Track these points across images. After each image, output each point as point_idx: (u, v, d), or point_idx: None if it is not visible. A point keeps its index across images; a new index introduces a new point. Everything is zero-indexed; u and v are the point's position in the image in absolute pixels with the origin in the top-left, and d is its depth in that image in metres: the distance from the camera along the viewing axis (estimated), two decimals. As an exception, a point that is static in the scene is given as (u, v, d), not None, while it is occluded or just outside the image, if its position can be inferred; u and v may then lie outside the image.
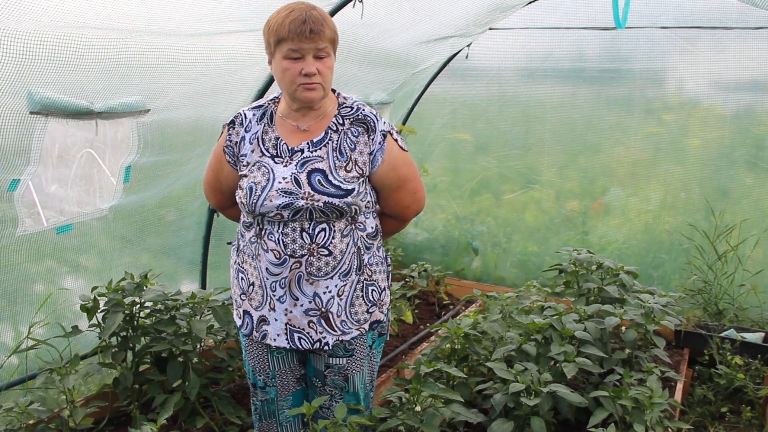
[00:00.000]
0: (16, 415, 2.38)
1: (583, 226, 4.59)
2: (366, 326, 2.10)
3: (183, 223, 3.46)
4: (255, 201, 1.95)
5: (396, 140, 2.04)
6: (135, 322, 2.72)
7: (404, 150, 2.06)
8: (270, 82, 3.19)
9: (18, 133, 2.34)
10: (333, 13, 2.95)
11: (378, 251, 2.12)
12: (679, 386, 3.07)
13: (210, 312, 2.78)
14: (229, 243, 2.23)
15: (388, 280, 2.18)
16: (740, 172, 4.07)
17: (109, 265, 3.12)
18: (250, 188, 1.96)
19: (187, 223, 3.48)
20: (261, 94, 3.22)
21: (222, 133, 2.09)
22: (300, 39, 1.82)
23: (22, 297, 2.73)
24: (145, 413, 2.77)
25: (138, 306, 2.73)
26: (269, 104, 2.07)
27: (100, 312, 2.66)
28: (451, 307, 4.46)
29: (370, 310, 2.10)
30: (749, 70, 3.95)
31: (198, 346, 2.77)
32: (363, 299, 2.07)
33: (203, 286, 3.64)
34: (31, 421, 2.42)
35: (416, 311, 4.28)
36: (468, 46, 4.55)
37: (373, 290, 2.10)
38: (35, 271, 2.79)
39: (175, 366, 2.68)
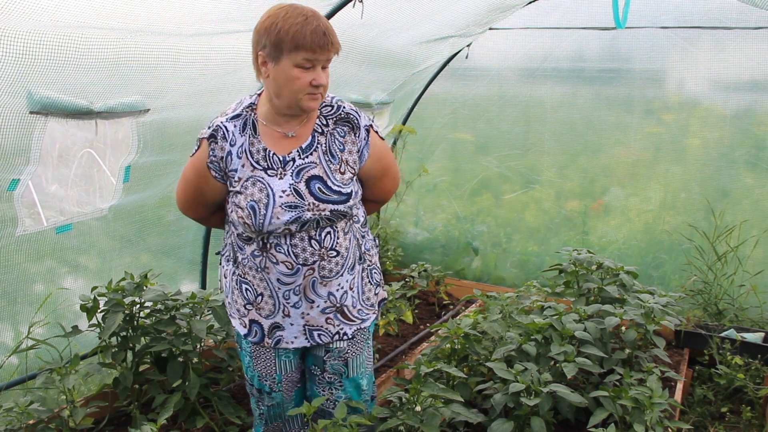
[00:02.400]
0: (16, 415, 2.38)
1: (583, 226, 4.59)
2: (377, 307, 2.19)
3: (183, 223, 3.46)
4: (261, 221, 1.91)
5: (377, 132, 2.06)
6: (135, 322, 2.72)
7: (383, 139, 2.10)
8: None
9: (18, 133, 2.34)
10: (333, 13, 2.95)
11: (369, 235, 2.20)
12: (679, 386, 3.07)
13: (210, 312, 2.77)
14: (219, 253, 2.20)
15: (377, 255, 2.26)
16: (740, 172, 4.07)
17: (109, 265, 3.12)
18: (252, 208, 1.91)
19: (187, 223, 3.48)
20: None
21: (200, 146, 1.98)
22: (320, 50, 1.80)
23: (22, 297, 2.73)
24: (145, 413, 2.77)
25: (138, 306, 2.73)
26: (247, 112, 1.98)
27: (100, 312, 2.66)
28: (451, 307, 4.46)
29: (377, 291, 2.19)
30: (749, 70, 3.95)
31: (198, 346, 2.77)
32: (370, 284, 2.16)
33: (203, 286, 3.64)
34: (31, 421, 2.42)
35: (416, 311, 4.28)
36: (468, 46, 4.55)
37: (375, 272, 2.19)
38: (35, 271, 2.79)
39: (175, 366, 2.68)
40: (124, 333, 2.71)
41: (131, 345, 2.73)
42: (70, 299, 2.90)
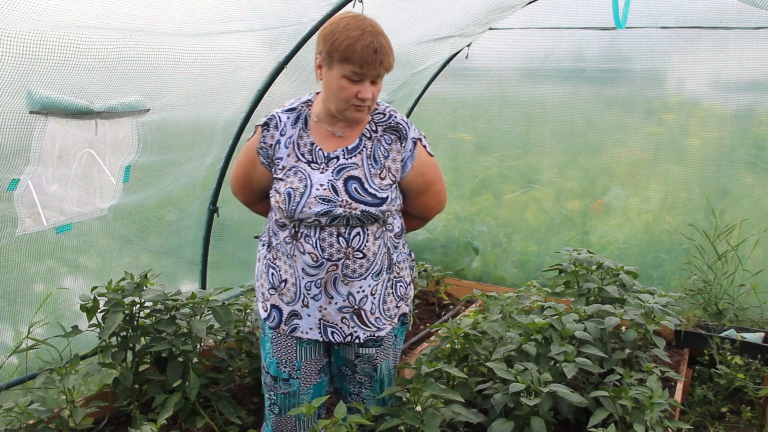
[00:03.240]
0: (16, 415, 2.38)
1: (583, 226, 4.59)
2: (396, 320, 2.20)
3: (183, 223, 3.46)
4: (294, 207, 1.98)
5: (425, 146, 2.11)
6: (135, 322, 2.72)
7: (431, 155, 2.15)
8: (270, 82, 3.19)
9: (18, 133, 2.34)
10: (333, 12, 2.95)
11: (403, 248, 2.21)
12: (679, 386, 3.07)
13: (210, 312, 2.77)
14: (257, 237, 2.27)
15: (412, 274, 2.27)
16: (740, 172, 4.07)
17: (109, 265, 3.12)
18: (288, 194, 1.99)
19: (187, 223, 3.48)
20: (261, 95, 3.21)
21: (254, 133, 2.11)
22: (368, 66, 1.86)
23: (22, 297, 2.73)
24: (145, 413, 2.76)
25: (138, 306, 2.73)
26: (302, 107, 2.09)
27: (100, 312, 2.65)
28: (451, 307, 4.46)
29: (399, 305, 2.20)
30: (749, 70, 3.95)
31: (198, 346, 2.77)
32: (393, 295, 2.17)
33: (203, 286, 3.63)
34: (31, 421, 2.42)
35: (416, 311, 4.28)
36: (468, 46, 4.55)
37: (400, 286, 2.20)
38: (35, 271, 2.79)
39: (175, 366, 2.68)
40: (124, 333, 2.71)
41: (131, 345, 2.73)
42: (70, 299, 2.90)
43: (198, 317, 2.76)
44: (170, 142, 3.05)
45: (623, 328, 3.00)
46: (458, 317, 3.25)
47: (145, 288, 2.72)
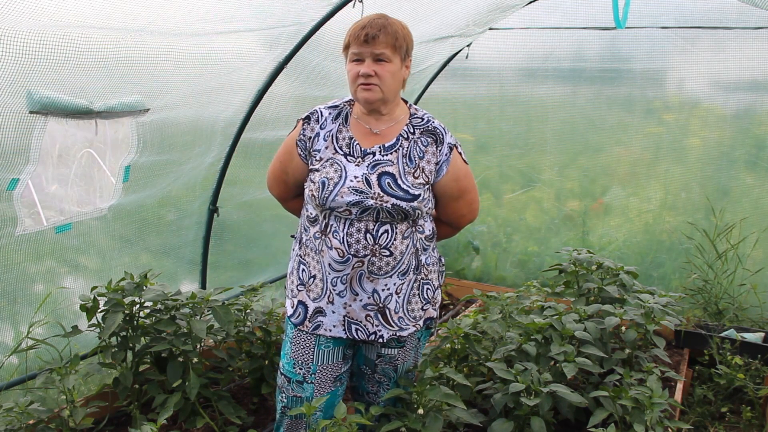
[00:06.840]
0: (16, 415, 2.38)
1: (583, 226, 4.59)
2: (420, 323, 2.22)
3: (183, 223, 3.46)
4: (327, 195, 2.03)
5: (460, 153, 2.16)
6: (135, 322, 2.72)
7: (466, 163, 2.19)
8: (270, 82, 3.18)
9: (17, 133, 2.34)
10: (333, 13, 2.95)
11: (434, 252, 2.24)
12: (679, 386, 3.07)
13: (210, 312, 2.77)
14: (293, 236, 2.30)
15: (440, 279, 2.30)
16: (740, 171, 4.07)
17: (109, 265, 3.12)
18: (323, 183, 2.05)
19: (187, 223, 3.48)
20: (261, 95, 3.21)
21: (296, 126, 2.18)
22: (357, 43, 1.97)
23: (22, 297, 2.73)
24: (145, 413, 2.77)
25: (138, 306, 2.72)
26: (345, 105, 2.17)
27: (100, 312, 2.65)
28: (451, 307, 4.46)
29: (425, 308, 2.23)
30: (749, 70, 3.95)
31: (198, 346, 2.77)
32: (419, 297, 2.19)
33: (203, 286, 3.63)
34: (31, 421, 2.41)
35: (416, 311, 4.27)
36: (468, 46, 4.55)
37: (428, 289, 2.22)
38: (35, 271, 2.79)
39: (175, 366, 2.68)
40: (124, 333, 2.71)
41: (131, 345, 2.72)
42: (70, 299, 2.89)
43: (198, 317, 2.76)
44: (170, 141, 3.05)
45: (623, 328, 3.00)
46: (458, 317, 3.25)
47: (145, 288, 2.72)
